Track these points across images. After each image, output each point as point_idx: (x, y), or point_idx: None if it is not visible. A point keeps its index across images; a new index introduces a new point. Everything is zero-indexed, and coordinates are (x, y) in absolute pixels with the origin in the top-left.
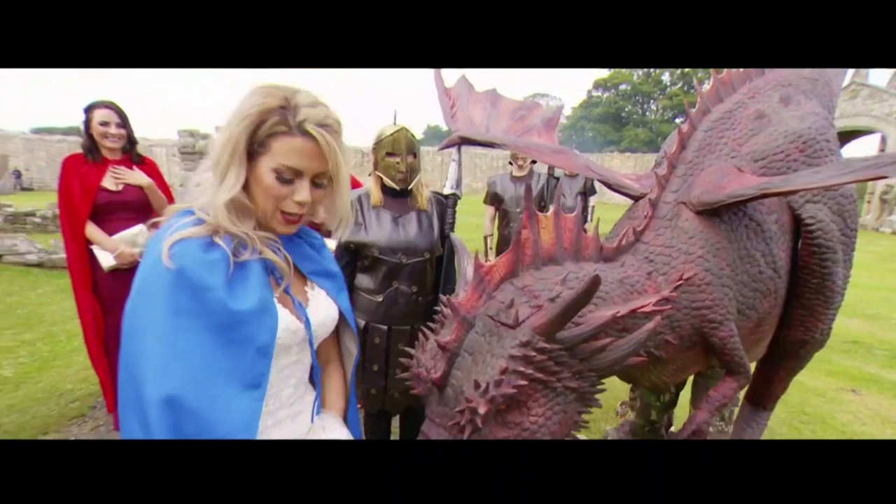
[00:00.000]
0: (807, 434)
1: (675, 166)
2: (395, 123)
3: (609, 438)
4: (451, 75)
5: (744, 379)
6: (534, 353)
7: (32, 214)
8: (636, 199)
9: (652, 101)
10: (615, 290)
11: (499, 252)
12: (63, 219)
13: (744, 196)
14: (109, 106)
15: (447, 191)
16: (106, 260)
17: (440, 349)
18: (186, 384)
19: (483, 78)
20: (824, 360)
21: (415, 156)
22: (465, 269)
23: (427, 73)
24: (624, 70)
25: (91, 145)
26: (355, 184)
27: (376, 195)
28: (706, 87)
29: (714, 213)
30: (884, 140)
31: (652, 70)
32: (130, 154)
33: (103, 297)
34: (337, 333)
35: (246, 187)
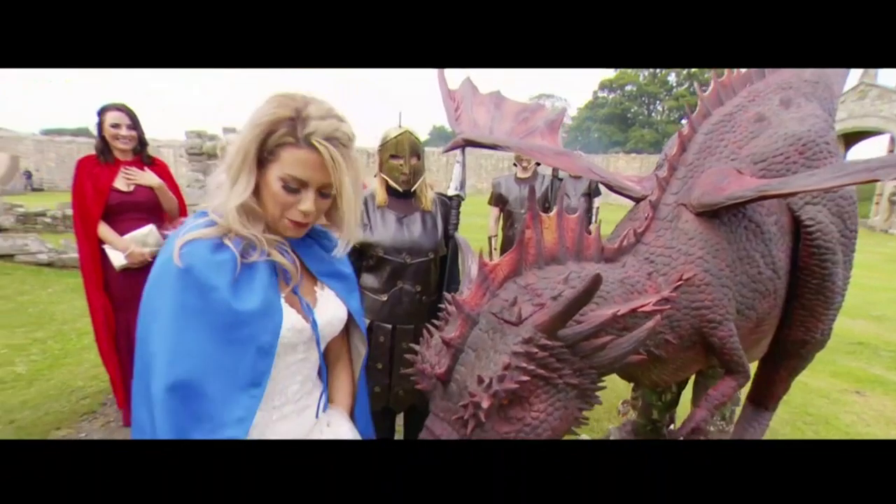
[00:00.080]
0: (810, 434)
1: (675, 168)
2: (399, 125)
3: (611, 437)
4: (456, 75)
5: (743, 378)
6: (536, 350)
7: (43, 215)
8: (637, 200)
9: (658, 101)
10: (616, 290)
11: (503, 253)
12: (76, 219)
13: (743, 198)
14: (121, 108)
15: (451, 192)
16: (117, 259)
17: (444, 345)
18: (188, 378)
19: (488, 78)
20: (829, 362)
21: (418, 158)
22: (470, 268)
23: (432, 74)
24: (630, 71)
25: (103, 147)
26: None
27: (381, 196)
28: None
29: (714, 214)
30: (893, 141)
31: (658, 71)
32: (141, 155)
33: (114, 295)
34: (347, 333)
35: (257, 192)
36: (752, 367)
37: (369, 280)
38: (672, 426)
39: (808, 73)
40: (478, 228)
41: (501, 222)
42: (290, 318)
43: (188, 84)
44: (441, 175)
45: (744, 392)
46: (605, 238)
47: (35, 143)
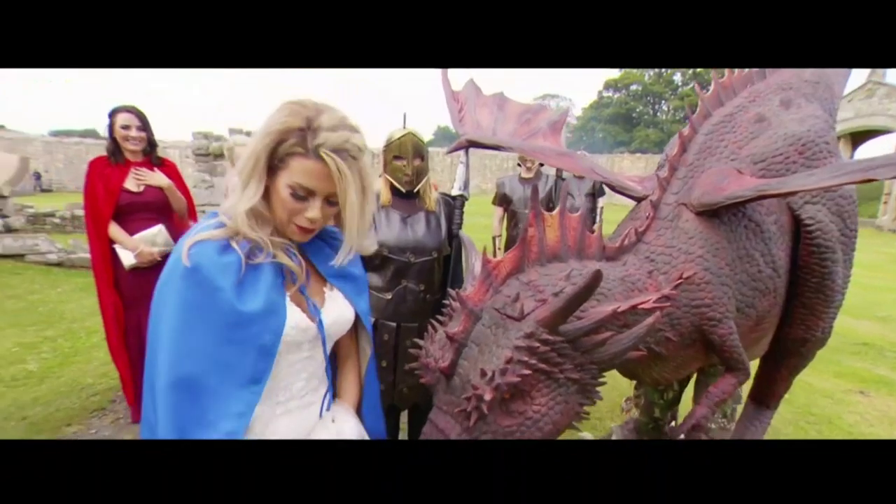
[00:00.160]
0: (813, 434)
1: (675, 169)
2: (404, 127)
3: (614, 436)
4: (460, 75)
5: (743, 375)
6: (538, 345)
7: (52, 215)
8: (639, 200)
9: (663, 101)
10: (617, 288)
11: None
12: (88, 219)
13: (742, 197)
14: (131, 110)
15: (455, 192)
16: (127, 258)
17: (448, 340)
18: (190, 373)
19: (492, 78)
20: (833, 362)
21: (422, 159)
22: (473, 265)
23: (437, 74)
24: (635, 70)
25: (114, 148)
26: None
27: (385, 195)
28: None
29: (714, 213)
30: None
31: (663, 70)
32: (151, 156)
33: (124, 294)
34: (356, 332)
35: (266, 196)
36: (753, 366)
37: (374, 279)
38: (673, 424)
39: (809, 73)
40: (482, 228)
41: (505, 222)
42: (295, 318)
43: (188, 84)
44: (445, 175)
45: (745, 390)
46: (606, 237)
47: (44, 145)
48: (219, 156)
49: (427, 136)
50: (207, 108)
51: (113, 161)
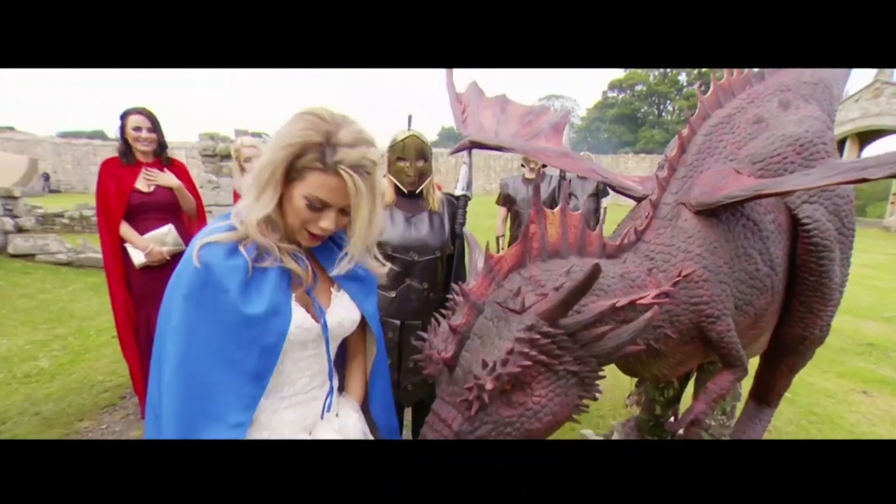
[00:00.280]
0: (814, 433)
1: (675, 169)
2: (409, 128)
3: (615, 433)
4: (464, 76)
5: (740, 372)
6: (538, 337)
7: (61, 216)
8: (639, 200)
9: (668, 101)
10: (616, 284)
11: None
12: (100, 218)
13: (739, 197)
14: (142, 112)
15: (458, 192)
16: (137, 257)
17: (451, 332)
18: (199, 367)
19: (497, 78)
20: (837, 362)
21: (425, 160)
22: (476, 261)
23: (442, 74)
24: (640, 70)
25: (126, 149)
26: None
27: (389, 195)
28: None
29: (712, 213)
30: None
31: (668, 70)
32: (161, 157)
33: (134, 292)
34: (364, 331)
35: (279, 202)
36: (753, 364)
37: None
38: (673, 420)
39: (808, 75)
40: (486, 229)
41: (509, 222)
42: (299, 318)
43: (193, 84)
44: (450, 175)
45: (745, 388)
46: (607, 237)
47: (52, 146)
48: (225, 157)
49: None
50: (213, 109)
51: (124, 162)
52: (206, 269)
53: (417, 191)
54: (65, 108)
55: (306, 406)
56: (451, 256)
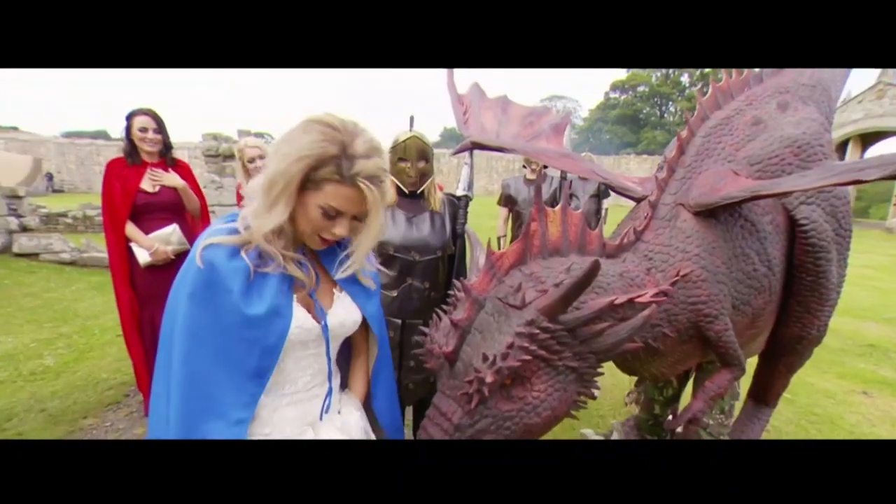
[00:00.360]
0: (813, 434)
1: (674, 170)
2: (410, 129)
3: (615, 432)
4: (466, 76)
5: (738, 371)
6: (538, 332)
7: (64, 215)
8: (638, 200)
9: (671, 102)
10: (616, 283)
11: None
12: (105, 217)
13: (737, 198)
14: (147, 113)
15: (460, 192)
16: (142, 257)
17: (452, 326)
18: (202, 364)
19: (499, 78)
20: (837, 363)
21: (426, 161)
22: (478, 258)
23: (444, 75)
24: (642, 71)
25: (131, 149)
26: None
27: (391, 195)
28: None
29: (710, 213)
30: None
31: (671, 71)
32: (166, 158)
33: (139, 291)
34: (367, 330)
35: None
36: (751, 363)
37: (380, 276)
38: (671, 418)
39: (806, 77)
40: (487, 229)
41: (510, 222)
42: (300, 318)
43: (195, 85)
44: (451, 176)
45: (743, 387)
46: (607, 237)
47: (56, 146)
48: (228, 157)
49: (434, 137)
50: (213, 110)
51: (130, 162)
52: (210, 268)
53: (419, 191)
54: (65, 108)
55: (307, 403)
56: (452, 256)
